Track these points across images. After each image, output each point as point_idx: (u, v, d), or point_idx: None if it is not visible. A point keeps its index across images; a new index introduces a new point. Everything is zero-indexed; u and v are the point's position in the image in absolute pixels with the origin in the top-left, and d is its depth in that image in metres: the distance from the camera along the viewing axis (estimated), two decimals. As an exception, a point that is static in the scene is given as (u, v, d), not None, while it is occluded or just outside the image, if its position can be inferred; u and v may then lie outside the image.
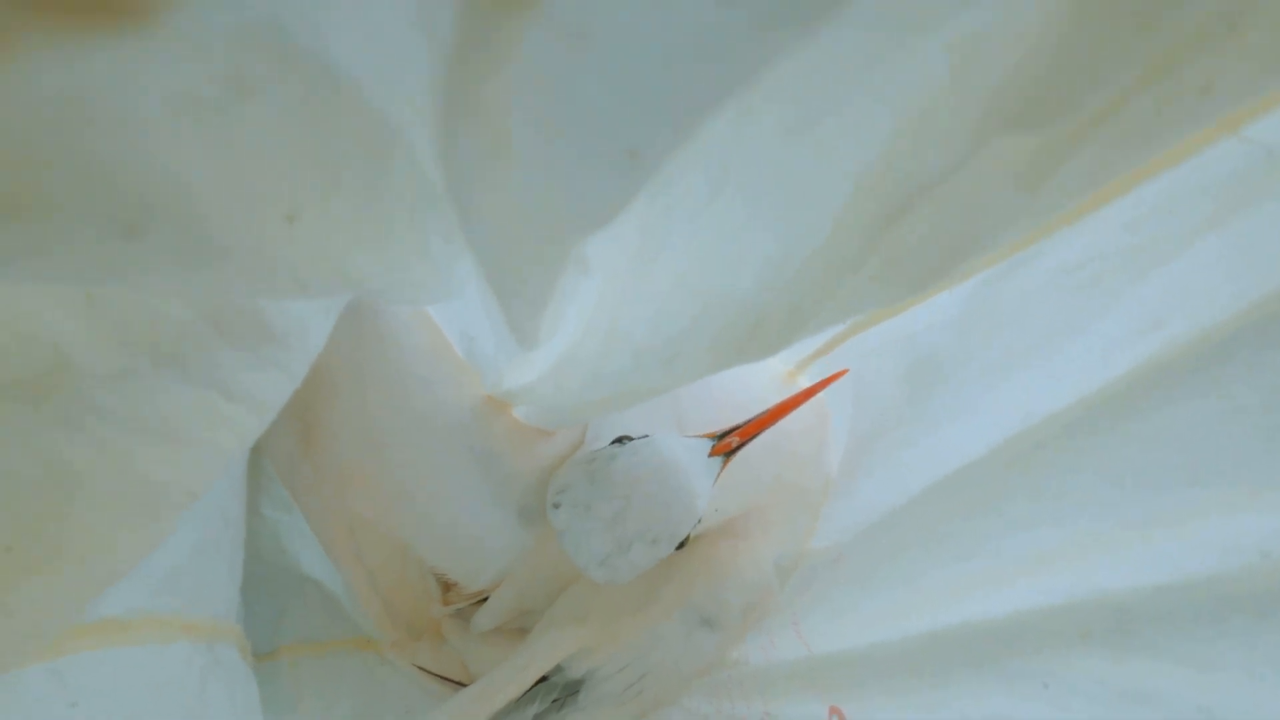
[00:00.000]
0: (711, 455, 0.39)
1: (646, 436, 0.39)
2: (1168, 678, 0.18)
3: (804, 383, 0.47)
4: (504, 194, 0.13)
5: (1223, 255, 0.18)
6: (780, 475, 0.46)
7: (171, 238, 0.10)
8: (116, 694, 0.23)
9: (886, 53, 0.10)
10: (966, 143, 0.12)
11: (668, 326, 0.24)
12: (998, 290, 0.26)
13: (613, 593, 0.46)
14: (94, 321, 0.14)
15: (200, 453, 0.20)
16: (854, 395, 0.42)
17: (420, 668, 0.50)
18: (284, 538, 0.48)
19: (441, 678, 0.50)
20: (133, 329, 0.15)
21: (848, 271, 0.15)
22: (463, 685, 0.50)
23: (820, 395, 0.46)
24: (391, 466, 0.44)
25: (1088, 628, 0.20)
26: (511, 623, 0.50)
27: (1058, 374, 0.22)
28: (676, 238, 0.17)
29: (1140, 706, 0.20)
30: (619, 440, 0.40)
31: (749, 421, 0.39)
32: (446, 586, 0.51)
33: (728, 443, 0.39)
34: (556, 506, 0.38)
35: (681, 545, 0.39)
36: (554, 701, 0.46)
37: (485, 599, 0.49)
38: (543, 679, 0.46)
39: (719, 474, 0.39)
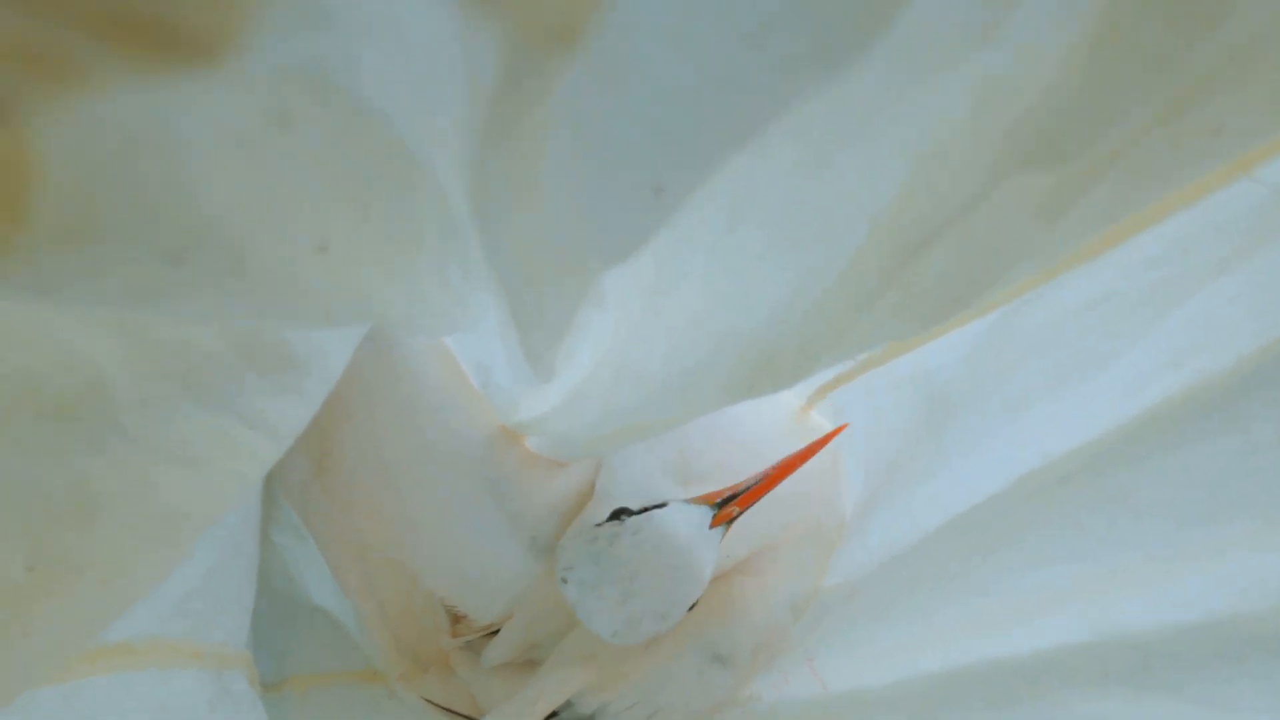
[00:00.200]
0: (712, 527, 0.39)
1: (646, 511, 0.40)
2: (1188, 718, 0.18)
3: (816, 418, 0.47)
4: (530, 226, 0.13)
5: (1241, 294, 0.18)
6: (793, 514, 0.46)
7: (211, 266, 0.11)
8: (125, 720, 0.23)
9: (906, 92, 0.10)
10: (984, 179, 0.12)
11: (681, 361, 0.24)
12: (1014, 326, 0.26)
13: (624, 630, 0.45)
14: (129, 348, 0.15)
15: (219, 479, 0.20)
16: (867, 432, 0.42)
17: (428, 701, 0.50)
18: (294, 567, 0.48)
19: (450, 711, 0.50)
20: (162, 356, 0.16)
21: (863, 307, 0.15)
22: (471, 720, 0.49)
23: (829, 427, 0.46)
24: (403, 494, 0.44)
25: (1107, 667, 0.19)
26: (521, 656, 0.50)
27: (1076, 410, 0.22)
28: (692, 272, 0.17)
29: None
30: (618, 515, 0.40)
31: (747, 489, 0.40)
32: (456, 619, 0.51)
33: (728, 512, 0.39)
34: (565, 582, 0.39)
35: (692, 608, 0.40)
36: (563, 738, 0.45)
37: (495, 632, 0.49)
38: (552, 715, 0.45)
39: (720, 542, 0.40)
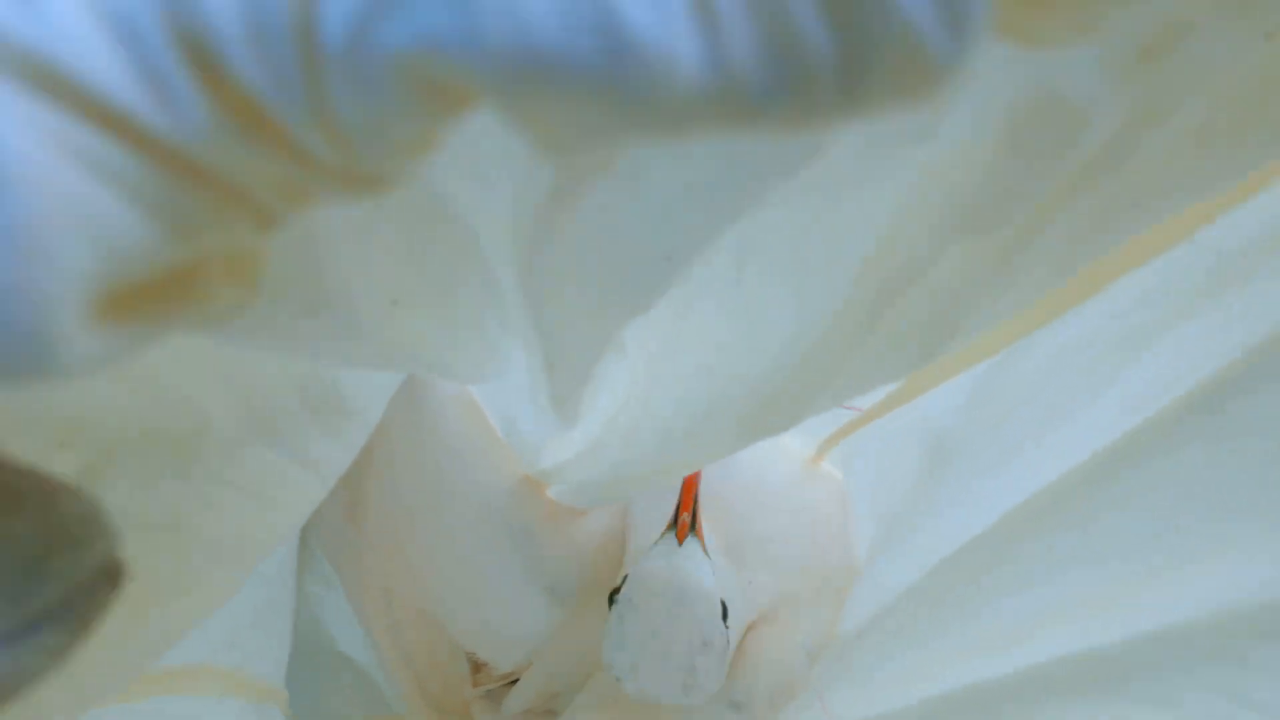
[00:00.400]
0: (683, 543, 0.40)
1: (624, 578, 0.40)
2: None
3: (827, 467, 0.48)
4: (564, 287, 0.15)
5: (1191, 342, 0.21)
6: (805, 562, 0.48)
7: (332, 319, 0.13)
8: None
9: (865, 173, 0.13)
10: (934, 243, 0.14)
11: (693, 405, 0.26)
12: (1001, 376, 0.28)
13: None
14: (231, 397, 0.17)
15: (278, 512, 0.22)
16: (874, 480, 0.43)
17: (450, 747, 0.51)
18: (323, 613, 0.50)
19: (472, 757, 0.51)
20: (252, 402, 0.18)
21: (855, 347, 0.18)
22: (491, 767, 0.50)
23: (841, 480, 0.48)
24: (427, 541, 0.46)
25: (1090, 676, 0.21)
26: (541, 705, 0.51)
27: (1053, 452, 0.24)
28: (703, 320, 0.20)
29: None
30: (611, 599, 0.40)
31: (681, 498, 0.40)
32: (477, 667, 0.52)
33: (683, 523, 0.40)
34: (621, 681, 0.40)
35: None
36: (583, 784, 0.46)
37: (515, 681, 0.50)
38: (572, 761, 0.46)
39: (703, 546, 0.40)
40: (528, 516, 0.45)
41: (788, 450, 0.49)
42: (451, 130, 0.08)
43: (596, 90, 0.06)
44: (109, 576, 0.12)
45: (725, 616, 0.40)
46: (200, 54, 0.06)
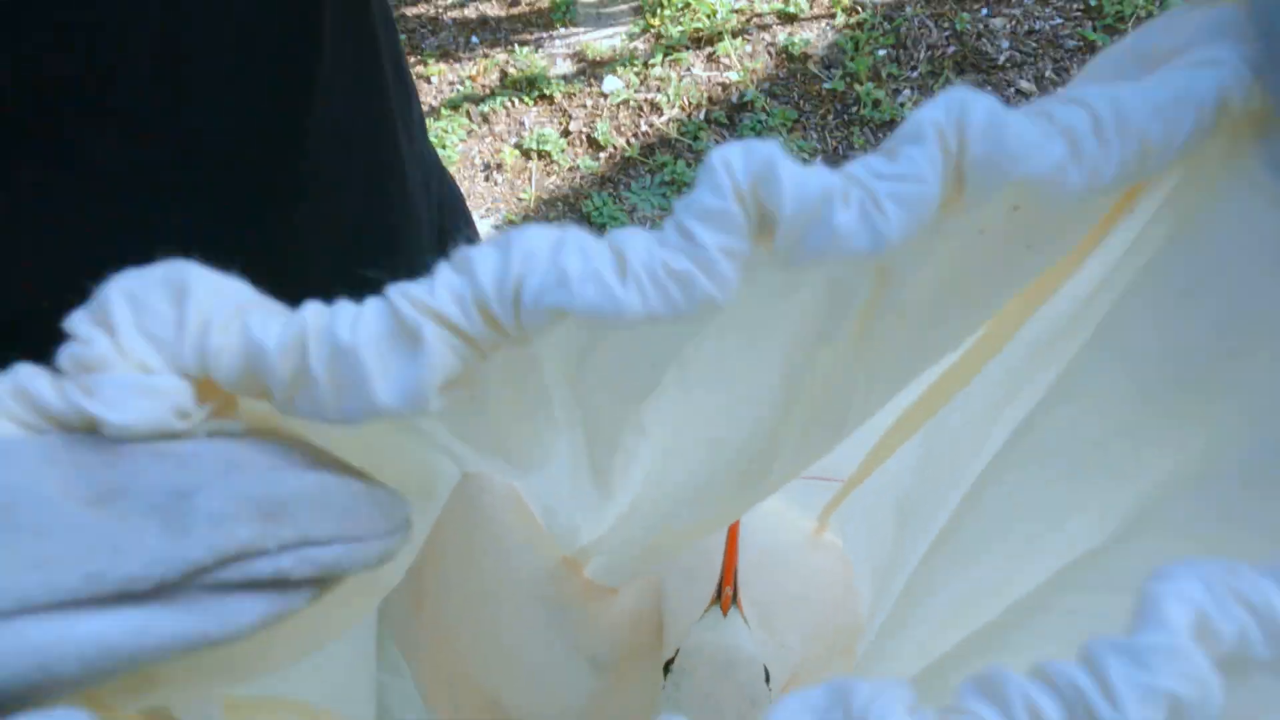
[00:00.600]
0: (726, 615, 0.45)
1: (677, 650, 0.45)
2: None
3: (830, 537, 0.55)
4: (596, 387, 0.23)
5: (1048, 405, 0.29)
6: (822, 624, 0.53)
7: (478, 423, 0.21)
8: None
9: (762, 312, 0.21)
10: (808, 350, 0.22)
11: (696, 476, 0.34)
12: (931, 439, 0.36)
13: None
14: (370, 457, 0.25)
15: (389, 568, 0.30)
16: (865, 543, 0.50)
17: (509, 821, 0.55)
18: (389, 699, 0.56)
19: (529, 825, 0.55)
20: (384, 470, 0.26)
21: (782, 434, 0.26)
22: (546, 839, 0.54)
23: (840, 546, 0.54)
24: (482, 623, 0.52)
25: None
26: (589, 775, 0.56)
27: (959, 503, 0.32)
28: (699, 403, 0.27)
29: None
30: (666, 669, 0.45)
31: (723, 573, 0.46)
32: (529, 743, 0.57)
33: (726, 595, 0.46)
34: None
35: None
36: None
37: (564, 754, 0.55)
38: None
39: (744, 617, 0.45)
40: (568, 595, 0.52)
41: (794, 523, 0.56)
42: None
43: (598, 316, 0.15)
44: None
45: (768, 679, 0.45)
46: (485, 309, 0.15)
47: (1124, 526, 0.24)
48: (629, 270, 0.16)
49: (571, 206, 1.92)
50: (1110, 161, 0.16)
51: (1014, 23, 2.09)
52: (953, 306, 0.21)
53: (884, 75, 2.02)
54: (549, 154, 1.96)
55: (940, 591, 0.31)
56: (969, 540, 0.30)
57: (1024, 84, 2.00)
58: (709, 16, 2.10)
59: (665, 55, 2.06)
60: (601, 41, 2.11)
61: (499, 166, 1.97)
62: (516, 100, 2.03)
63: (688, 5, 2.12)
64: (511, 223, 1.90)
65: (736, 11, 2.11)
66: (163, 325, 0.16)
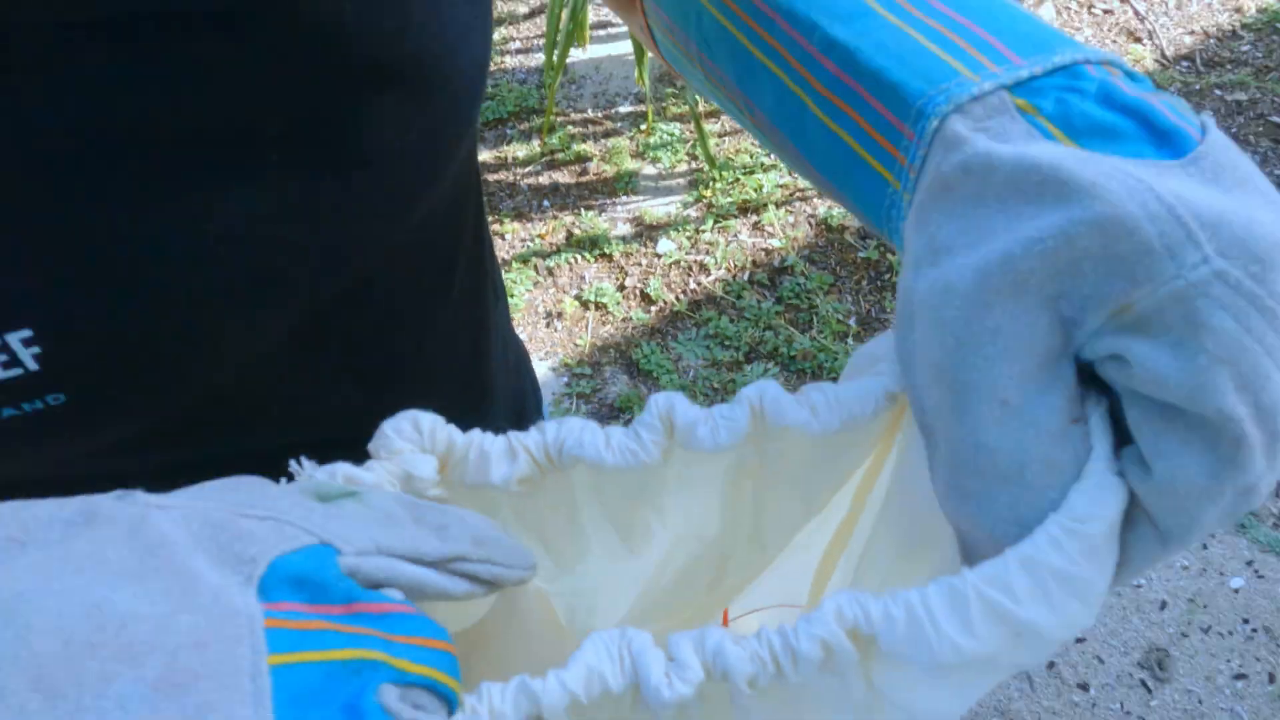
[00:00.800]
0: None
1: None
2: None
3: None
4: (611, 510, 0.37)
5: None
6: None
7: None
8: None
9: (703, 463, 0.35)
10: (736, 482, 0.36)
11: (678, 578, 0.46)
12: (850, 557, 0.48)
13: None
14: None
15: (464, 610, 0.42)
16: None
17: None
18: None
19: None
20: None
21: (733, 538, 0.39)
22: None
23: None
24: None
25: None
26: None
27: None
28: (671, 527, 0.41)
29: None
30: None
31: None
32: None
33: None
34: None
35: None
36: None
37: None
38: None
39: None
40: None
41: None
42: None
43: (594, 462, 0.30)
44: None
45: None
46: (544, 452, 0.30)
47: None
48: (611, 444, 0.31)
49: (623, 354, 2.09)
50: (834, 420, 0.30)
51: (1038, 204, 2.27)
52: (799, 482, 0.35)
53: (915, 247, 2.20)
54: (605, 306, 2.17)
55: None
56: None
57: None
58: (756, 190, 2.34)
59: (715, 222, 2.29)
60: (658, 208, 2.36)
61: (559, 315, 2.18)
62: (579, 257, 2.27)
63: (738, 180, 2.37)
64: (568, 366, 2.08)
65: (781, 185, 2.35)
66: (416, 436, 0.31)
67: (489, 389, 0.52)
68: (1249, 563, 1.66)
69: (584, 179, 2.46)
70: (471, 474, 0.32)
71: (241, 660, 0.18)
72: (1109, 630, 1.60)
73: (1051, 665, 1.58)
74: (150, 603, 0.18)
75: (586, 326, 2.15)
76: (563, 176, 2.47)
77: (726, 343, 2.05)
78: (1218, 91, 2.55)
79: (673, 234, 2.29)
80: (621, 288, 2.21)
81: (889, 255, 2.18)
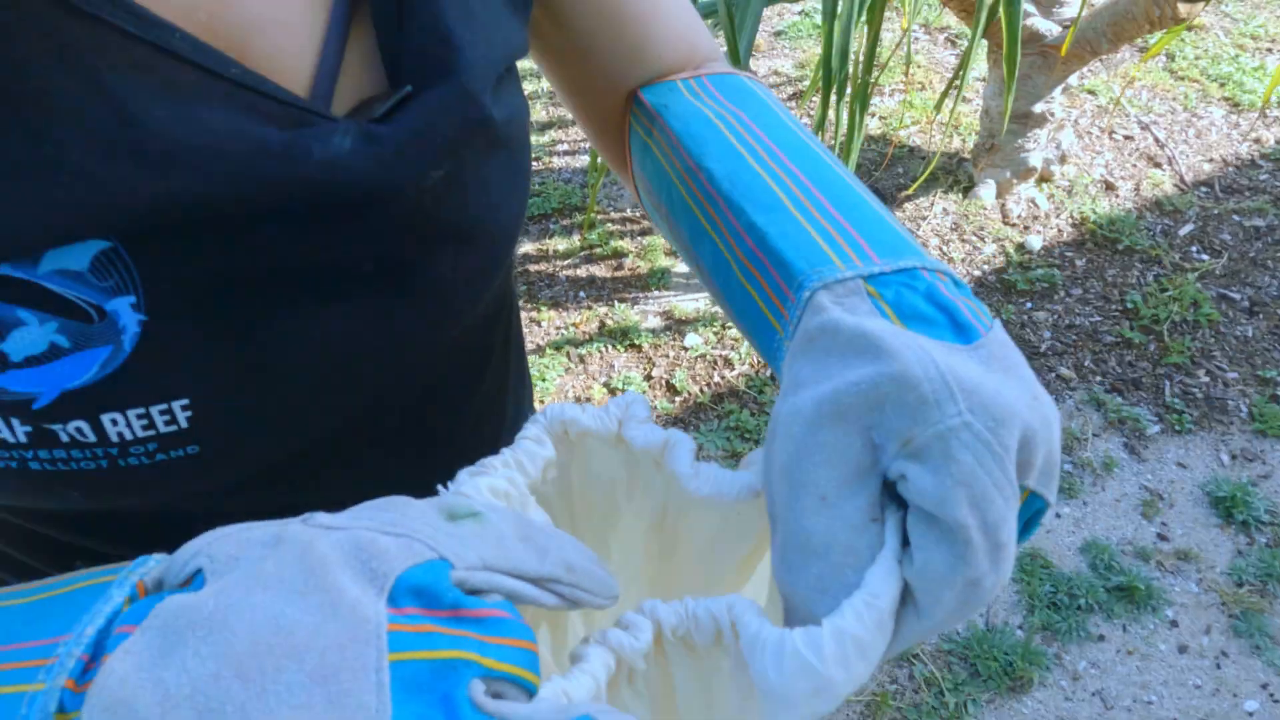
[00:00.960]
0: None
1: None
2: None
3: None
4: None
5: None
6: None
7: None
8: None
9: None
10: (654, 525, 0.43)
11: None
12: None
13: None
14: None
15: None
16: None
17: None
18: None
19: None
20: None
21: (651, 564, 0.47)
22: None
23: None
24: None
25: None
26: None
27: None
28: (617, 558, 0.48)
29: None
30: None
31: None
32: None
33: None
34: None
35: None
36: None
37: None
38: None
39: None
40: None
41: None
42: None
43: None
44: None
45: None
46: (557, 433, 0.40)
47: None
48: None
49: (646, 440, 2.17)
50: (704, 487, 0.38)
51: (1056, 316, 2.34)
52: (703, 552, 0.43)
53: (934, 352, 2.28)
54: (632, 394, 2.26)
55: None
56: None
57: (1064, 370, 2.21)
58: (782, 291, 2.45)
59: (741, 320, 2.39)
60: (688, 304, 2.47)
61: (588, 400, 2.27)
62: (610, 346, 2.38)
63: (765, 280, 2.49)
64: (592, 450, 2.16)
65: (807, 288, 2.45)
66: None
67: None
68: (1264, 685, 1.64)
69: (619, 273, 2.60)
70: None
71: (369, 659, 0.24)
72: (1118, 746, 1.59)
73: (1059, 779, 1.57)
74: (309, 613, 0.24)
75: (613, 413, 2.24)
76: (599, 270, 2.61)
77: (746, 435, 2.12)
78: (1236, 217, 2.63)
79: (700, 329, 2.40)
80: (648, 377, 2.30)
81: (908, 359, 2.25)
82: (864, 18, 1.84)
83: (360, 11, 0.37)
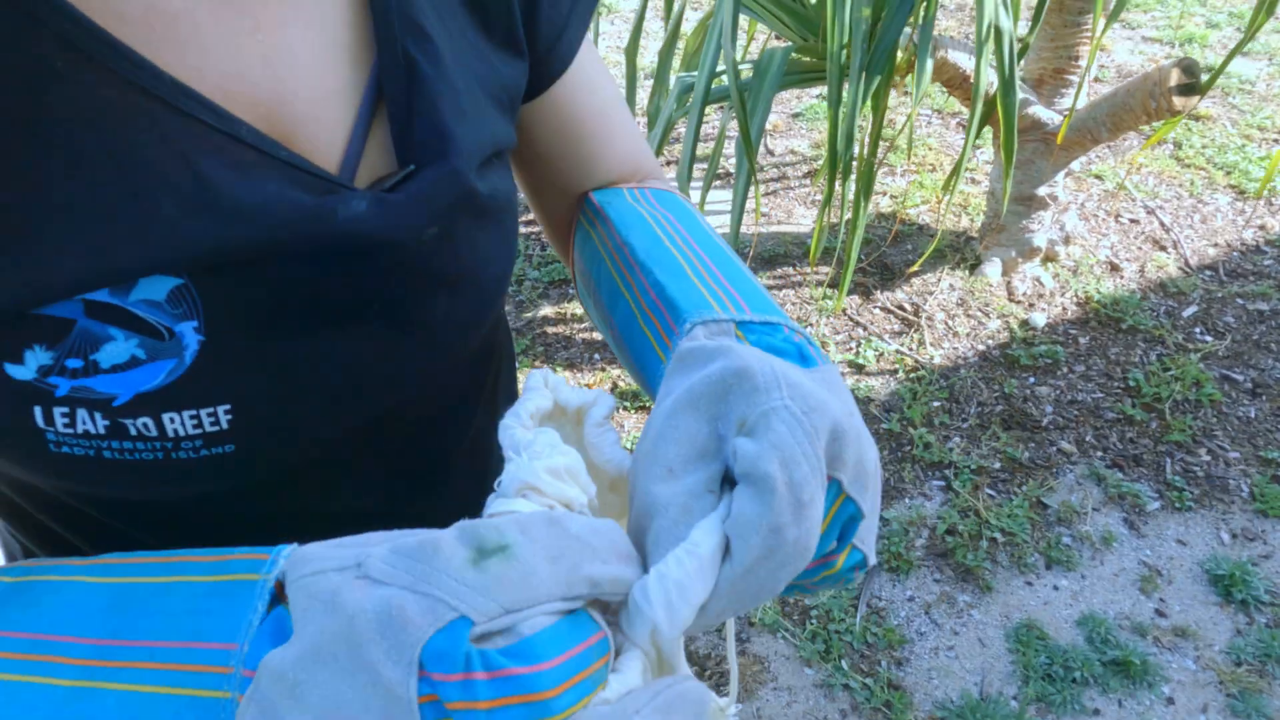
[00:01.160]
0: None
1: None
2: None
3: None
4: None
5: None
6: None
7: None
8: None
9: None
10: None
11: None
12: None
13: None
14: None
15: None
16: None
17: None
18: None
19: None
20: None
21: None
22: None
23: None
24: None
25: None
26: None
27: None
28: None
29: None
30: None
31: None
32: None
33: None
34: None
35: None
36: None
37: None
38: None
39: None
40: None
41: None
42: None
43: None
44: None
45: None
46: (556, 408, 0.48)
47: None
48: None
49: (652, 500, 2.22)
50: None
51: (1059, 392, 2.39)
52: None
53: (936, 423, 2.32)
54: (640, 453, 2.32)
55: None
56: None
57: (1065, 445, 2.25)
58: (790, 359, 2.52)
59: (750, 385, 2.46)
60: (699, 369, 2.55)
61: (597, 459, 2.34)
62: (621, 408, 2.45)
63: (774, 348, 2.56)
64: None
65: (814, 357, 2.52)
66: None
67: (485, 490, 0.69)
68: (1262, 768, 1.62)
69: (633, 337, 2.69)
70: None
71: None
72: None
73: None
74: (357, 691, 0.31)
75: (621, 471, 2.30)
76: (615, 334, 2.70)
77: (750, 498, 2.17)
78: (1240, 300, 2.68)
79: (709, 393, 2.47)
80: (657, 438, 2.37)
81: (910, 429, 2.30)
82: (868, 104, 1.96)
83: (379, 113, 0.47)
